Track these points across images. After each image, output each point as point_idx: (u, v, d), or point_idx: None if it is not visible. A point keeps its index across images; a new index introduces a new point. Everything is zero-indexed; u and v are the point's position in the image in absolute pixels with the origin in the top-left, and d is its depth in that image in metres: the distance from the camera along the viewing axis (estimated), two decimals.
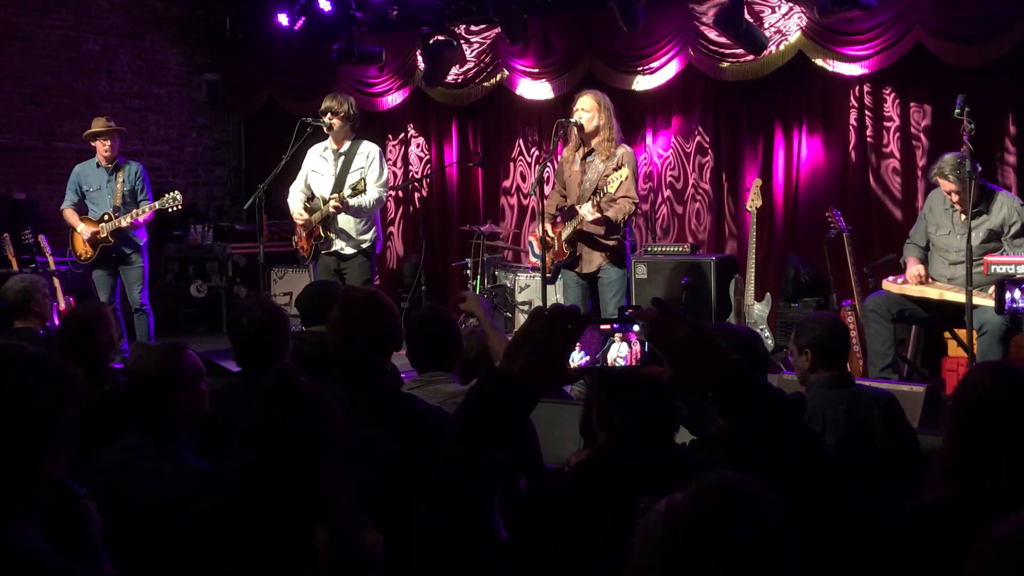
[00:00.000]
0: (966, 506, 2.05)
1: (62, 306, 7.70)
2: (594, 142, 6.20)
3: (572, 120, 6.41)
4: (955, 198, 5.70)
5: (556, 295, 7.60)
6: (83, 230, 7.53)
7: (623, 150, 6.19)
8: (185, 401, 2.93)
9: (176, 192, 7.52)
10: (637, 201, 6.24)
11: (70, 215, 7.66)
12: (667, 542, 1.38)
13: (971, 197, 5.49)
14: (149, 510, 2.70)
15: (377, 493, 2.53)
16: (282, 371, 2.35)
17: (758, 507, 1.41)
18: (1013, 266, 5.34)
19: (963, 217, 5.70)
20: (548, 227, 6.33)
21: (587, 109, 6.18)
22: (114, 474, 2.83)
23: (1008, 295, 4.95)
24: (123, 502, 2.75)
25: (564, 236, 6.26)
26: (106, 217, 7.48)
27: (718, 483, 1.44)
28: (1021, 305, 4.98)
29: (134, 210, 7.46)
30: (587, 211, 6.02)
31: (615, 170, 5.96)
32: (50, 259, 8.00)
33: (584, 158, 6.26)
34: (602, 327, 1.88)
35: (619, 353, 1.91)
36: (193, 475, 2.77)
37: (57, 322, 7.50)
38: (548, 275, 6.39)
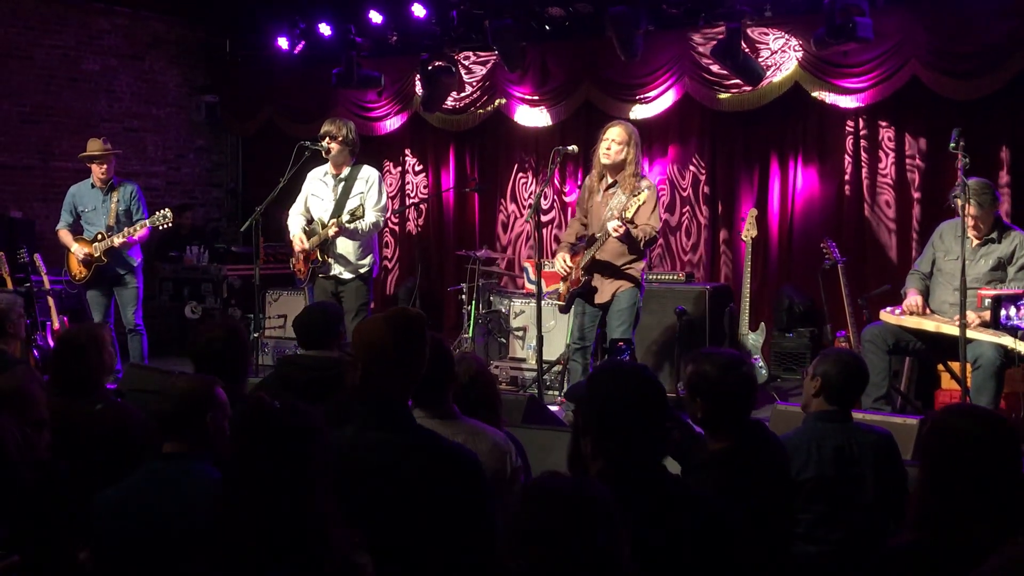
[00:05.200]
0: (934, 551, 2.05)
1: (56, 325, 7.68)
2: (619, 175, 6.16)
3: (571, 148, 6.43)
4: (971, 223, 5.71)
5: (553, 322, 7.60)
6: (77, 250, 7.51)
7: (646, 183, 6.17)
8: (213, 424, 2.93)
9: (166, 210, 7.50)
10: (658, 229, 6.21)
11: (65, 235, 7.65)
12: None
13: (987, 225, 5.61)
14: (189, 532, 2.67)
15: (381, 521, 2.51)
16: (254, 402, 2.36)
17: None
18: None
19: (974, 243, 5.72)
20: (567, 256, 6.33)
21: (619, 141, 6.14)
22: (144, 500, 2.79)
23: (1003, 312, 4.96)
24: (159, 528, 2.72)
25: (582, 264, 6.24)
26: (99, 237, 7.47)
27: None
28: (1016, 322, 4.99)
29: (127, 228, 7.45)
30: (613, 225, 5.94)
31: (633, 196, 6.01)
32: (45, 278, 7.99)
33: (607, 189, 6.23)
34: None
35: None
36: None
37: (51, 342, 7.50)
38: (562, 304, 6.40)
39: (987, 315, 5.35)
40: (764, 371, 7.31)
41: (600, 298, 6.23)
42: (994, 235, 5.82)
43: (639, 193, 6.01)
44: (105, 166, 7.61)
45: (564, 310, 6.48)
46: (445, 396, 3.13)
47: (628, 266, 6.17)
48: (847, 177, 8.21)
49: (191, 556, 2.54)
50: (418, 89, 9.62)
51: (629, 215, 5.95)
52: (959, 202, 5.68)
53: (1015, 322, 5.00)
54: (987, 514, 2.05)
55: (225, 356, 3.62)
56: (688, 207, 8.92)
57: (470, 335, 8.19)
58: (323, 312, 4.57)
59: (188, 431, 2.89)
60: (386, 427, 2.67)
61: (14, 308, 5.17)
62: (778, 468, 3.08)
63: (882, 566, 2.14)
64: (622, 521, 1.70)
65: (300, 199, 6.89)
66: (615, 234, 5.95)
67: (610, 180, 6.22)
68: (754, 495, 2.82)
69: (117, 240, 7.39)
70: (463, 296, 8.55)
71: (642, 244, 6.10)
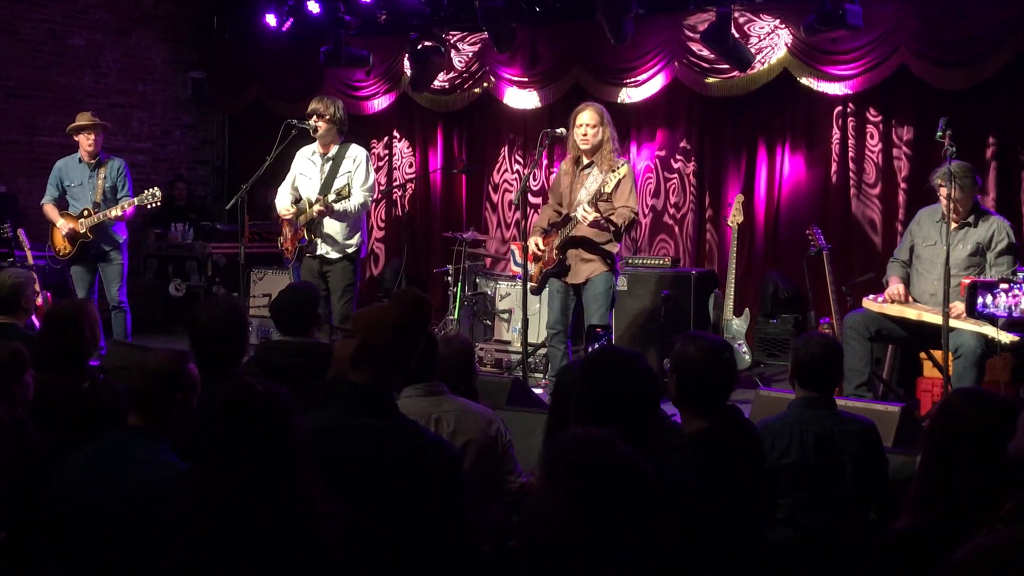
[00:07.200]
0: (940, 534, 2.05)
1: (39, 301, 7.63)
2: (596, 155, 6.16)
3: (559, 131, 6.41)
4: (951, 204, 5.71)
5: (538, 305, 7.61)
6: (62, 225, 7.46)
7: (623, 162, 6.17)
8: (181, 403, 2.94)
9: (155, 188, 7.46)
10: (636, 210, 6.21)
11: (50, 210, 7.60)
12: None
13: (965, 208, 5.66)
14: (126, 505, 2.68)
15: (355, 507, 2.52)
16: (238, 386, 2.37)
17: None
18: None
19: (953, 226, 5.74)
20: (539, 239, 6.32)
21: (592, 124, 6.14)
22: (93, 469, 2.81)
23: (980, 299, 4.97)
24: (99, 498, 2.73)
25: (556, 244, 6.23)
26: (86, 213, 7.42)
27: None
28: (992, 310, 5.01)
29: (114, 206, 7.41)
30: (583, 211, 5.95)
31: (611, 172, 6.00)
32: (28, 254, 7.94)
33: (582, 170, 6.23)
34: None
35: None
36: (174, 473, 2.76)
37: (35, 318, 7.45)
38: (534, 285, 6.39)
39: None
40: (747, 356, 7.34)
41: (573, 278, 6.22)
42: (971, 219, 5.85)
43: (617, 168, 6.02)
44: (93, 137, 7.55)
45: (536, 292, 6.48)
46: (431, 374, 3.20)
47: (603, 245, 6.15)
48: (834, 164, 8.23)
49: (132, 532, 2.56)
50: (407, 69, 9.58)
51: (608, 189, 5.95)
52: (939, 182, 5.71)
53: (991, 310, 5.02)
54: (993, 500, 2.05)
55: (227, 337, 3.60)
56: (675, 192, 8.92)
57: (456, 317, 8.20)
58: (297, 295, 4.51)
59: (154, 408, 2.90)
60: (366, 414, 2.66)
61: (30, 284, 5.25)
62: (752, 453, 3.10)
63: (882, 550, 2.14)
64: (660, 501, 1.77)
65: (288, 178, 6.86)
66: (584, 221, 5.96)
67: (586, 161, 6.22)
68: (728, 477, 2.84)
69: (103, 216, 7.34)
70: (449, 278, 8.54)
71: (622, 229, 6.10)
